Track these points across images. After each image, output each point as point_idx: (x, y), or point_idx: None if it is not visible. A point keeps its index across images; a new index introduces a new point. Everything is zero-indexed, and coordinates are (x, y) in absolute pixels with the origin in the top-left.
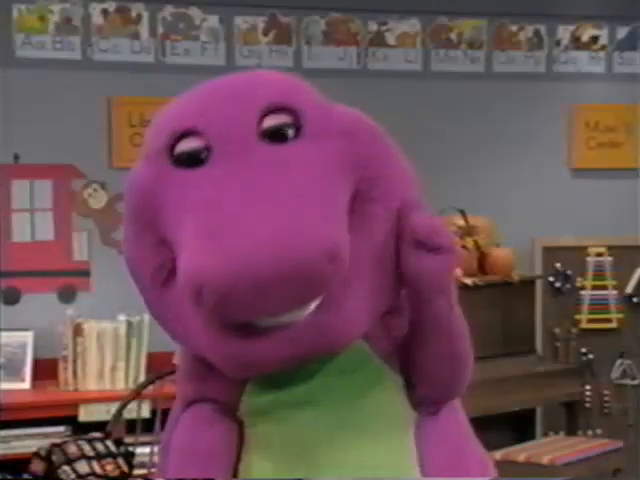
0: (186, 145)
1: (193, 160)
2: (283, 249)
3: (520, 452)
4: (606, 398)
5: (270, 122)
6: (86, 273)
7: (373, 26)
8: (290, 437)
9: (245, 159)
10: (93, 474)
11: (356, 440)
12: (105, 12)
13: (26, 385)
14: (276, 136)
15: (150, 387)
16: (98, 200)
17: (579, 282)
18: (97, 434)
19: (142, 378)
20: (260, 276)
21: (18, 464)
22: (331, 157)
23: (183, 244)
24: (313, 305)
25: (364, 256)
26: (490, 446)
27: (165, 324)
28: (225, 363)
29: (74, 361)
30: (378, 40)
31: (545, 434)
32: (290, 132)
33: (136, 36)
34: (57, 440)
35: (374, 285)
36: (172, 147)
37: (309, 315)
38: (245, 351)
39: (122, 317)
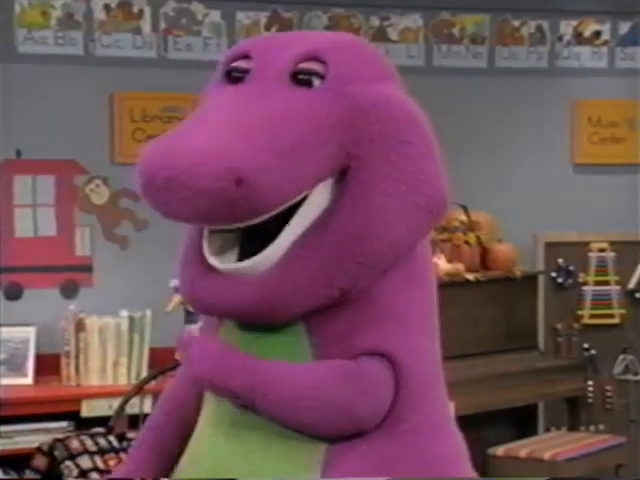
0: (235, 64)
1: (234, 78)
2: (195, 159)
3: (522, 448)
4: (608, 394)
5: (301, 65)
6: (88, 268)
7: (375, 21)
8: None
9: (258, 87)
10: (96, 469)
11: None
12: (107, 7)
13: (28, 380)
14: (303, 80)
15: (152, 382)
16: (100, 196)
17: (581, 278)
18: (100, 429)
19: (144, 373)
20: (169, 173)
21: (20, 460)
22: (330, 114)
23: None
24: (271, 250)
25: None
26: (492, 442)
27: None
28: (189, 299)
29: (76, 356)
30: (380, 35)
31: (547, 430)
32: (316, 81)
33: (138, 31)
34: (59, 435)
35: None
36: (228, 63)
37: (264, 272)
38: (194, 288)
39: (124, 312)
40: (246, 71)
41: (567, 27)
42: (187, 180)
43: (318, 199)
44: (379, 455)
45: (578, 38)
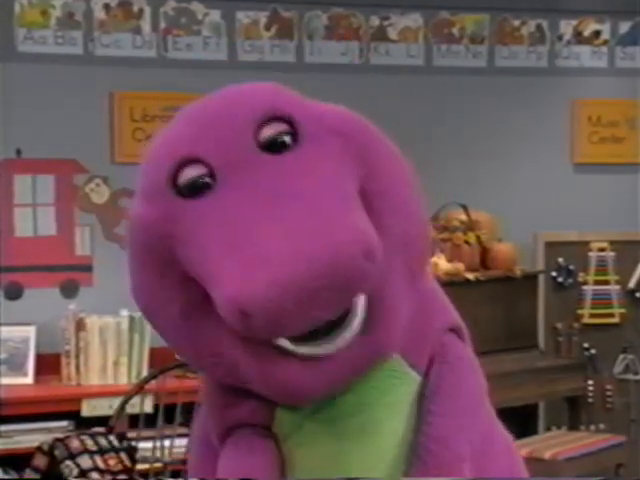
0: (188, 174)
1: (198, 188)
2: (319, 253)
3: (522, 447)
4: (608, 393)
5: (267, 133)
6: (88, 268)
7: (375, 21)
8: (320, 453)
9: (252, 175)
10: (96, 469)
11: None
12: (107, 7)
13: (29, 380)
14: (275, 146)
15: (153, 382)
16: (100, 195)
17: (581, 277)
18: (100, 429)
19: (145, 373)
20: (303, 286)
21: (21, 459)
22: (334, 156)
23: (214, 276)
24: (355, 326)
25: (392, 259)
26: None
27: (194, 357)
28: (273, 392)
29: (77, 356)
30: (380, 35)
31: (547, 429)
32: (287, 139)
33: (138, 31)
34: (60, 435)
35: (403, 286)
36: (173, 179)
37: (352, 341)
38: (295, 382)
39: (125, 312)
40: (209, 175)
41: (567, 27)
42: (338, 281)
43: None
44: None
45: (578, 37)
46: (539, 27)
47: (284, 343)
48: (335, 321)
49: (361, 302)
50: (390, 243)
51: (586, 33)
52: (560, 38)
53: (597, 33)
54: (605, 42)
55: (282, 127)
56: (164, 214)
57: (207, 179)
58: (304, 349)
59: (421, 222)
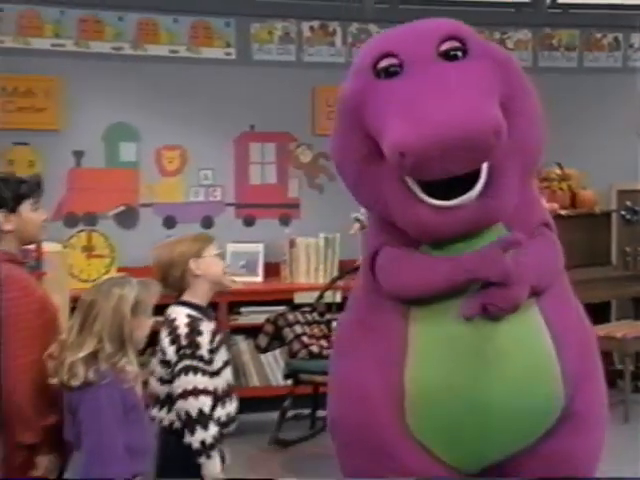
0: (385, 62)
1: (390, 73)
2: (461, 124)
3: (599, 330)
4: None
5: (445, 46)
6: (297, 206)
7: (497, 35)
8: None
9: (428, 70)
10: (304, 334)
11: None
12: (312, 28)
13: (259, 279)
14: (449, 56)
15: (339, 282)
16: (306, 156)
17: None
18: (307, 309)
19: (335, 275)
20: (444, 142)
21: (255, 330)
22: (488, 71)
23: (386, 130)
24: (478, 188)
25: (514, 155)
26: None
27: (363, 195)
28: (413, 228)
29: (290, 264)
30: (501, 45)
31: (618, 319)
32: (459, 54)
33: (332, 44)
34: (280, 312)
35: (517, 178)
36: (374, 65)
37: (477, 199)
38: (430, 221)
39: (322, 235)
40: (399, 65)
41: (636, 38)
42: (473, 137)
43: None
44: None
45: None
46: (616, 38)
47: (422, 195)
48: (462, 186)
49: (484, 170)
50: (514, 141)
51: None
52: (631, 46)
53: None
54: None
55: (456, 44)
56: (363, 87)
57: (397, 68)
58: (436, 202)
59: (539, 138)
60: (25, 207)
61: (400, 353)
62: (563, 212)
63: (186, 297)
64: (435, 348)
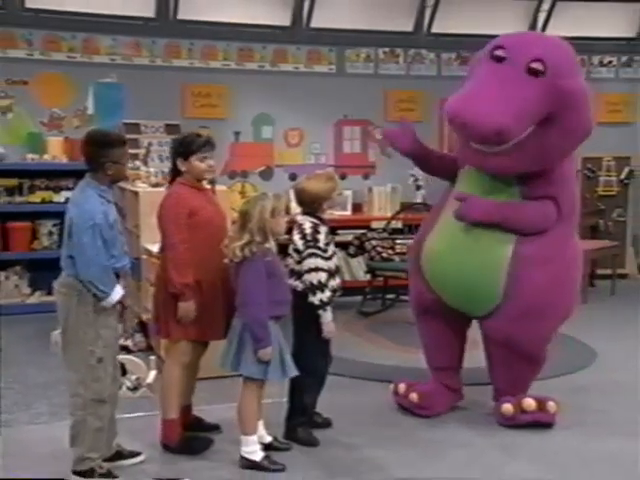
0: (498, 52)
1: (497, 59)
2: (475, 117)
3: None
4: None
5: (532, 65)
6: (373, 167)
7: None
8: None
9: (512, 71)
10: (378, 246)
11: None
12: (384, 52)
13: (349, 213)
14: (533, 72)
15: (399, 215)
16: (379, 135)
17: None
18: (380, 230)
19: (396, 210)
20: (451, 122)
21: (345, 244)
22: (540, 94)
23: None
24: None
25: (539, 153)
26: None
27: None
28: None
29: (369, 203)
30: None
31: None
32: (539, 73)
33: (397, 62)
34: (363, 232)
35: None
36: (492, 52)
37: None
38: (479, 162)
39: (389, 185)
40: (504, 58)
41: None
42: (472, 128)
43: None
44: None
45: None
46: None
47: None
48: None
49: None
50: (560, 128)
51: None
52: None
53: None
54: None
55: (539, 68)
56: (479, 62)
57: (504, 54)
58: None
59: (564, 148)
60: (194, 158)
61: (430, 230)
62: None
63: (311, 211)
64: (441, 230)
